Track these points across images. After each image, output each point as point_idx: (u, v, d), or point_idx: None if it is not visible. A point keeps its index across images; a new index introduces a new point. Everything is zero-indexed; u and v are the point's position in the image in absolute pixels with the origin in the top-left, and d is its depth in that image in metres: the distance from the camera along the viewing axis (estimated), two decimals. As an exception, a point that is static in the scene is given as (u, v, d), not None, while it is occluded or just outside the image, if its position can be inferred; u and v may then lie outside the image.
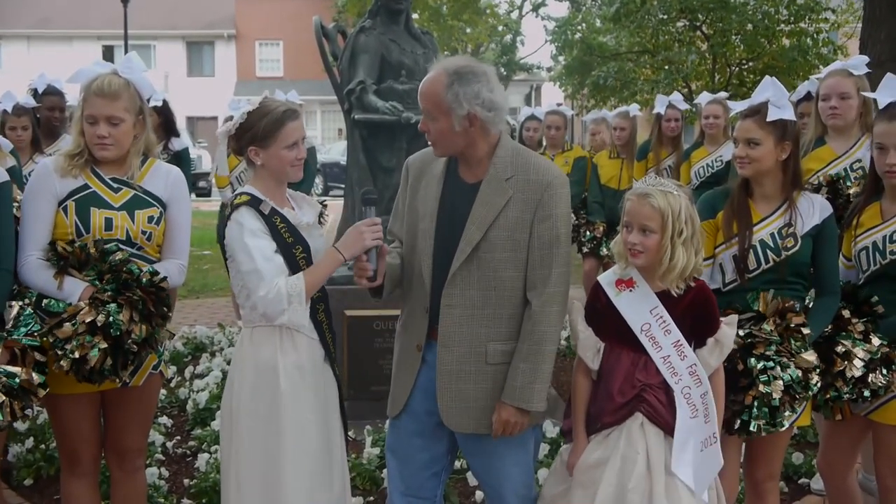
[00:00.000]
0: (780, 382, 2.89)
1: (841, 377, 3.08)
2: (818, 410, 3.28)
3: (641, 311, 2.78)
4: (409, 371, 2.94)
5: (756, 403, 2.92)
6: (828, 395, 3.13)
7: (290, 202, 3.07)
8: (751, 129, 3.08)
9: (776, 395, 2.89)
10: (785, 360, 2.93)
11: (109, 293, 2.91)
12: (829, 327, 3.13)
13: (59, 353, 2.84)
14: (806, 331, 2.99)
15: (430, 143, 2.87)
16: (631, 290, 2.81)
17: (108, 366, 2.89)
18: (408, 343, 2.96)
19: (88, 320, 2.85)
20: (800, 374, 2.93)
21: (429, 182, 2.91)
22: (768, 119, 3.05)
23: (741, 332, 2.95)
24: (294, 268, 2.89)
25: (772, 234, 3.08)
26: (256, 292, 2.80)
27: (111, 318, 2.86)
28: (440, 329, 2.84)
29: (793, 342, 2.96)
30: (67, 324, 2.85)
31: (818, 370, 3.00)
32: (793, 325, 2.98)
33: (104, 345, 2.86)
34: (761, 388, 2.90)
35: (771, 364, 2.91)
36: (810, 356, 2.96)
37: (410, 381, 2.94)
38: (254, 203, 2.90)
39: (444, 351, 2.83)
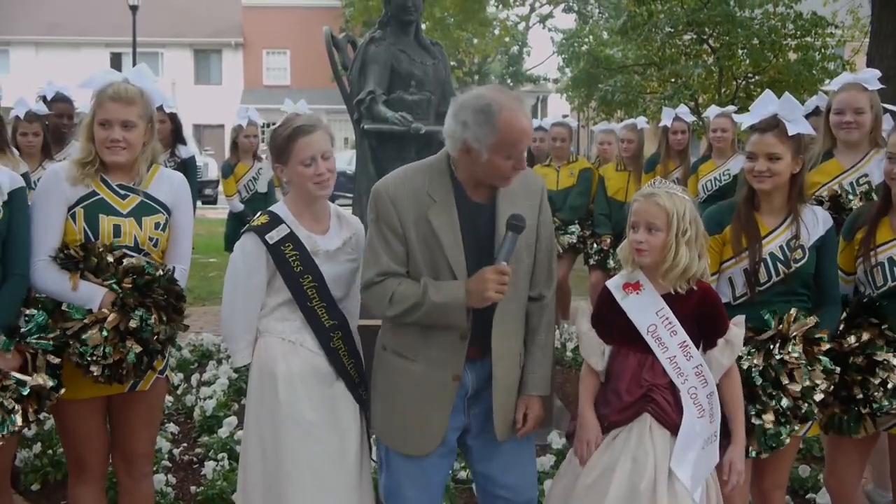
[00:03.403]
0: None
1: (882, 387, 3.10)
2: (837, 430, 3.27)
3: (647, 313, 2.81)
4: (443, 406, 2.84)
5: (782, 420, 2.97)
6: (868, 410, 3.13)
7: (330, 221, 3.08)
8: (772, 143, 3.07)
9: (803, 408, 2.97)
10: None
11: (134, 297, 2.94)
12: (854, 341, 3.16)
13: (90, 359, 2.86)
14: (827, 346, 3.03)
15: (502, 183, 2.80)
16: (638, 293, 2.85)
17: (145, 364, 2.96)
18: (435, 376, 2.82)
19: (122, 327, 2.88)
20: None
21: (437, 211, 2.77)
22: (789, 133, 3.06)
23: (773, 362, 2.97)
24: (300, 297, 2.94)
25: (780, 247, 3.09)
26: (225, 334, 3.12)
27: (144, 323, 2.90)
28: (494, 348, 2.82)
29: (817, 365, 3.01)
30: (94, 330, 2.86)
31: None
32: (813, 342, 3.03)
33: (139, 348, 2.91)
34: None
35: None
36: (823, 373, 3.02)
37: (445, 417, 2.85)
38: (267, 228, 2.92)
39: (499, 369, 2.85)
